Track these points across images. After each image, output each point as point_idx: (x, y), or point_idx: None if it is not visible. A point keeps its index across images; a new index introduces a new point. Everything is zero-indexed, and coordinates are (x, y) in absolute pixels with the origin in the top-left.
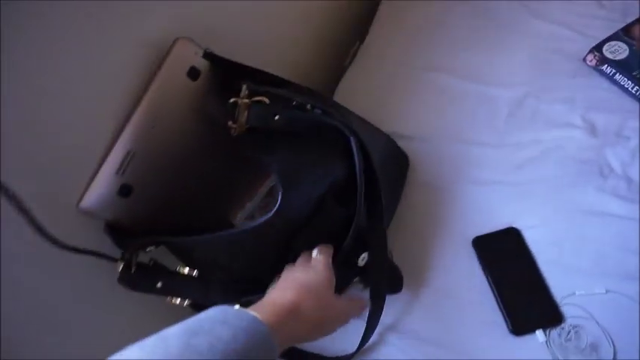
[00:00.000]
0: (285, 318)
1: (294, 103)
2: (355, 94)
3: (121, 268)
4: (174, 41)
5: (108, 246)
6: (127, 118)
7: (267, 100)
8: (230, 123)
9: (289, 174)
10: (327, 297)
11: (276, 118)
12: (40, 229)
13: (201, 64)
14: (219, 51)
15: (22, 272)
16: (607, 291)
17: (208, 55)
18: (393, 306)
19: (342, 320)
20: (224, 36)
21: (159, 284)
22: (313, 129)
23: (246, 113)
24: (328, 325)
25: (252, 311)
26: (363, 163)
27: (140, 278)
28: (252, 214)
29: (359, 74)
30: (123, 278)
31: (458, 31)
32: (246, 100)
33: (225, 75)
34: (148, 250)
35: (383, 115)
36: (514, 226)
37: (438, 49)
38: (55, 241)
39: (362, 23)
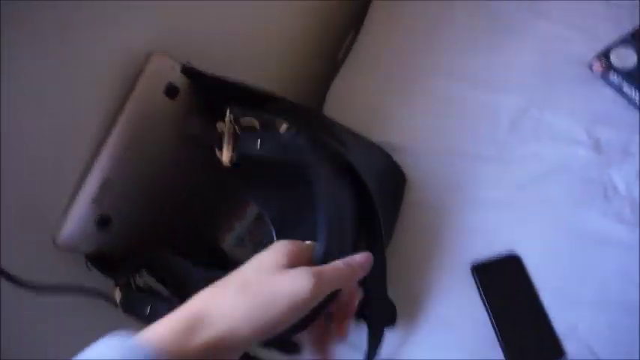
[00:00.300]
0: (182, 327)
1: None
2: (348, 96)
3: (119, 293)
4: (148, 56)
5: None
6: (102, 143)
7: (256, 124)
8: (217, 151)
9: (284, 222)
10: (258, 278)
11: (262, 150)
12: (10, 278)
13: (180, 80)
14: (202, 54)
15: None
16: (610, 325)
17: (187, 70)
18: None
19: (289, 299)
20: (204, 36)
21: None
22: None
23: (231, 144)
24: (268, 309)
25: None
26: (360, 199)
27: (142, 300)
28: (241, 238)
29: (352, 74)
30: (125, 303)
31: (456, 31)
32: (232, 129)
33: (207, 91)
34: (141, 275)
35: (378, 121)
36: (515, 250)
37: (435, 49)
38: (30, 287)
39: (356, 13)
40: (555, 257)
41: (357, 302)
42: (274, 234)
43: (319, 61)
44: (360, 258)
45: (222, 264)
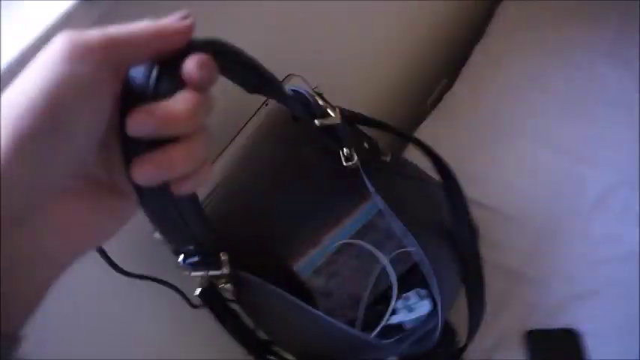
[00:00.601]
0: None
1: None
2: (436, 143)
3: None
4: (287, 77)
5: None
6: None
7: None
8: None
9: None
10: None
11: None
12: (107, 259)
13: None
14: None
15: None
16: None
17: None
18: None
19: (35, 76)
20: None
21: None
22: None
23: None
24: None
25: None
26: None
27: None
28: (318, 267)
29: (440, 123)
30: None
31: (553, 94)
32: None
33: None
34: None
35: (463, 176)
36: (574, 327)
37: (529, 110)
38: (120, 270)
39: (452, 61)
40: (620, 346)
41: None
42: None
43: (409, 103)
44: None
45: (293, 287)
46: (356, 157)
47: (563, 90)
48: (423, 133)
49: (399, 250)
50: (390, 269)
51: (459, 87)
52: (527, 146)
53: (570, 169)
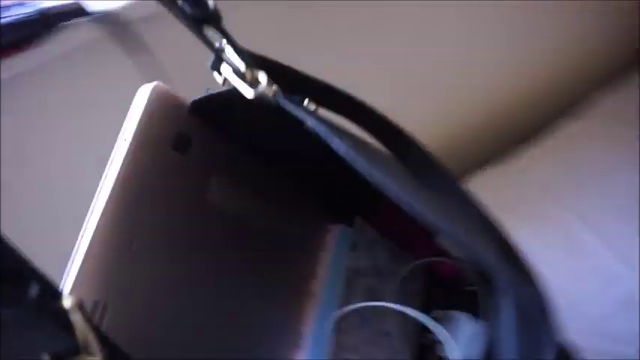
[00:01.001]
0: None
1: None
2: (486, 192)
3: None
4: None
5: None
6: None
7: None
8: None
9: None
10: None
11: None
12: None
13: (190, 124)
14: None
15: None
16: None
17: (198, 108)
18: None
19: None
20: None
21: None
22: None
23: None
24: None
25: None
26: None
27: None
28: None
29: (503, 177)
30: None
31: (622, 191)
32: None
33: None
34: None
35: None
36: None
37: (592, 197)
38: None
39: (538, 129)
40: None
41: None
42: None
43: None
44: None
45: None
46: (264, 77)
47: (632, 189)
48: (479, 178)
49: (401, 276)
50: (415, 314)
51: (535, 152)
52: (576, 227)
53: (611, 264)
